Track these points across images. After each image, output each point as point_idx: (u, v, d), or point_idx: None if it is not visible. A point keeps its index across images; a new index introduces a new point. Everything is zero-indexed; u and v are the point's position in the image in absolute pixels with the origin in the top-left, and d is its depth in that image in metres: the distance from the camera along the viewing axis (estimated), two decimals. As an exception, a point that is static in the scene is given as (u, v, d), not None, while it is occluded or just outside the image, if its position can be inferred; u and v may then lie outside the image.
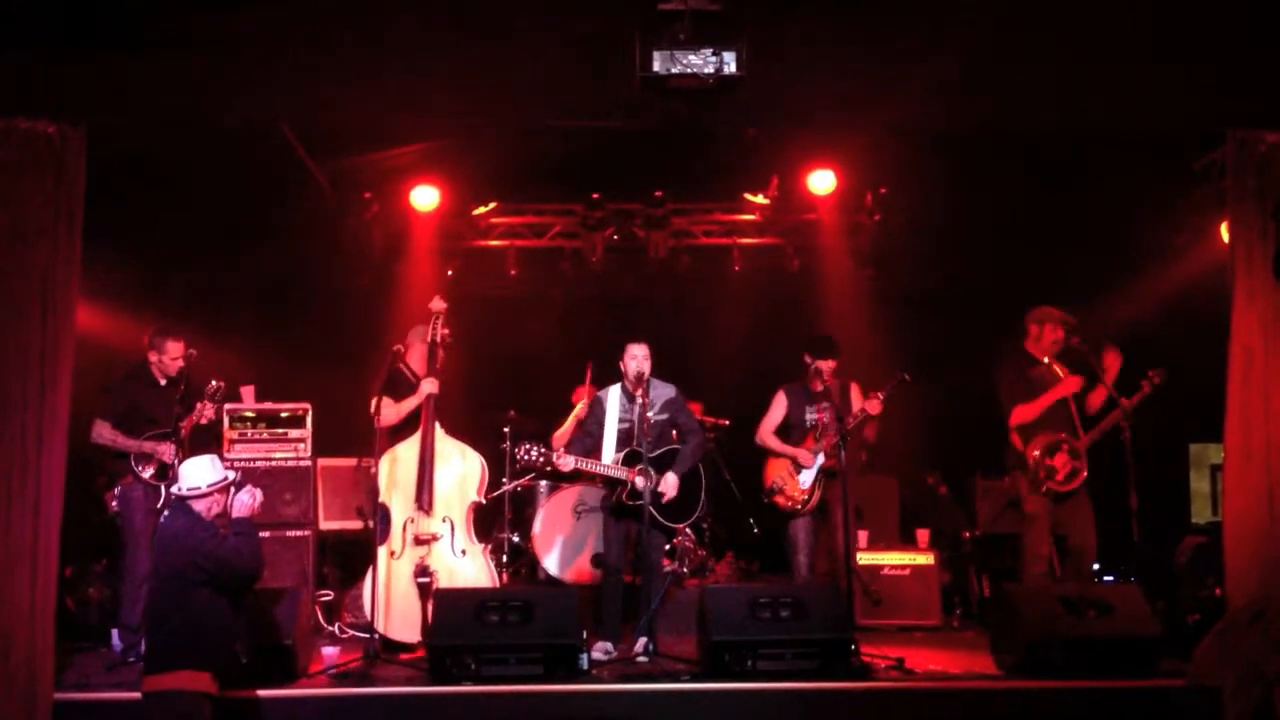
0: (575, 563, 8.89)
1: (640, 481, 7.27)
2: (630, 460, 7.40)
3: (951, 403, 9.51)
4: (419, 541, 7.50)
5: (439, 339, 7.86)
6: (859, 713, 6.49)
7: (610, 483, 7.57)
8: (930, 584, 8.67)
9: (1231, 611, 6.64)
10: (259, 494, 6.16)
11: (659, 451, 7.52)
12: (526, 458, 7.27)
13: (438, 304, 7.93)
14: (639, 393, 7.43)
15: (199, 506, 5.92)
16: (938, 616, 8.64)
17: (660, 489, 7.41)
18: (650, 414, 7.42)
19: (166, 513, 6.11)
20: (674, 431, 7.78)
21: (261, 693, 6.31)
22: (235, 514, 6.04)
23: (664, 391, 7.65)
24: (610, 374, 7.72)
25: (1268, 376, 6.71)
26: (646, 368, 7.50)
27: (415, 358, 8.06)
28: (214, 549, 5.81)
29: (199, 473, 5.96)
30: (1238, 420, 6.75)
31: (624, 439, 7.49)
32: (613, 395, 7.62)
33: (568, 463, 7.30)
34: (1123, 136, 7.71)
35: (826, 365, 7.91)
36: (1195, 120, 7.03)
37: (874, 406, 7.81)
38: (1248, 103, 6.79)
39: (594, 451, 7.51)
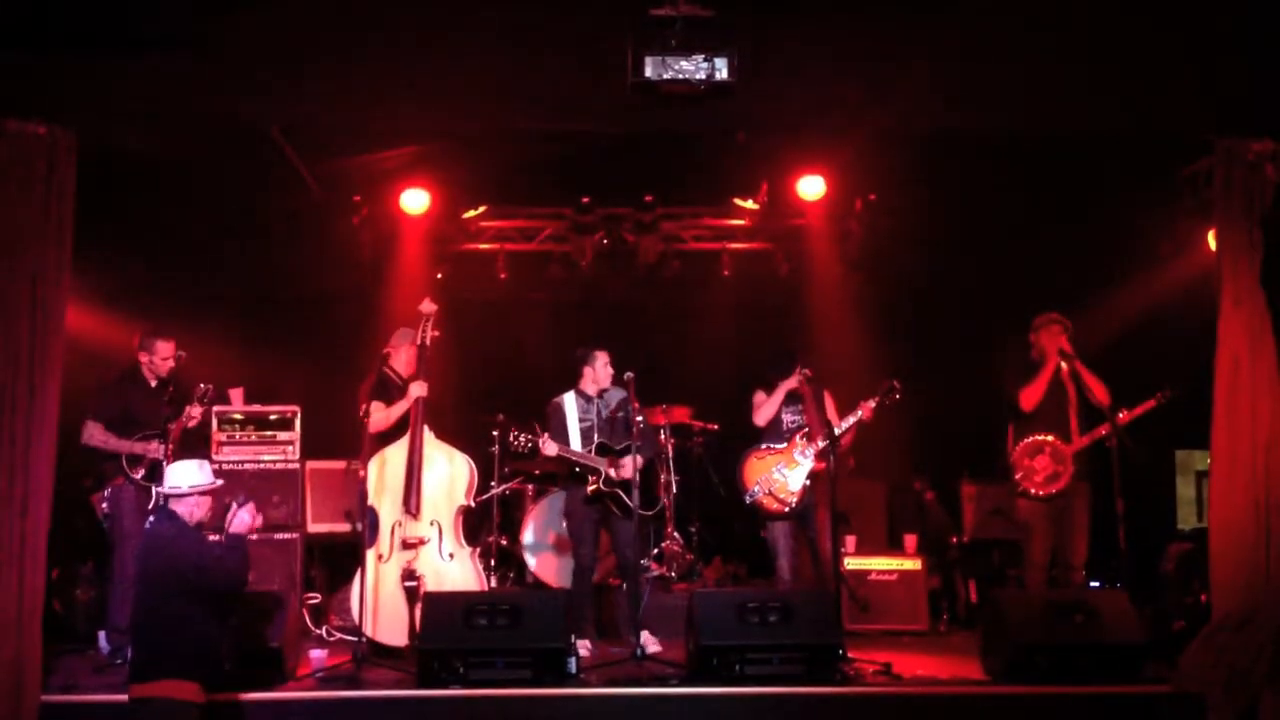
0: (564, 566, 8.89)
1: (613, 472, 7.69)
2: (601, 452, 7.78)
3: (938, 408, 9.54)
4: (406, 545, 7.50)
5: (428, 341, 7.86)
6: (847, 717, 6.51)
7: (580, 478, 7.76)
8: (918, 589, 8.71)
9: (1217, 618, 6.67)
10: (260, 517, 6.14)
11: (622, 446, 7.83)
12: (516, 443, 7.66)
13: (428, 306, 7.95)
14: (598, 395, 7.95)
15: (180, 509, 5.88)
16: (925, 622, 8.68)
17: (620, 464, 7.73)
18: (607, 413, 7.93)
19: (152, 518, 6.06)
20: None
21: (249, 696, 6.30)
22: (232, 529, 6.01)
23: (617, 393, 8.01)
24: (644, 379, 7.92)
25: (1254, 383, 6.74)
26: (611, 374, 7.97)
27: (400, 361, 8.07)
28: (197, 556, 5.78)
29: (181, 473, 5.95)
30: (1224, 426, 6.78)
31: (587, 436, 7.84)
32: (569, 400, 8.00)
33: (551, 449, 7.65)
34: (1111, 144, 7.76)
35: (787, 383, 8.03)
36: (1183, 128, 7.07)
37: (865, 413, 7.86)
38: (1235, 111, 6.83)
39: None
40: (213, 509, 6.09)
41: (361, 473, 7.48)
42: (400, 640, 7.34)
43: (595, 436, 7.84)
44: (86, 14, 6.27)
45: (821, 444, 7.75)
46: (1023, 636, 6.75)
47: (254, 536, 6.10)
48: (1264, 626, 6.47)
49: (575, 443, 7.81)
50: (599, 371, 7.95)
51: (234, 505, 6.06)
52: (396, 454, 7.66)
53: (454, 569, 7.54)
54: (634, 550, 7.78)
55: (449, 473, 7.72)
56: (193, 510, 5.92)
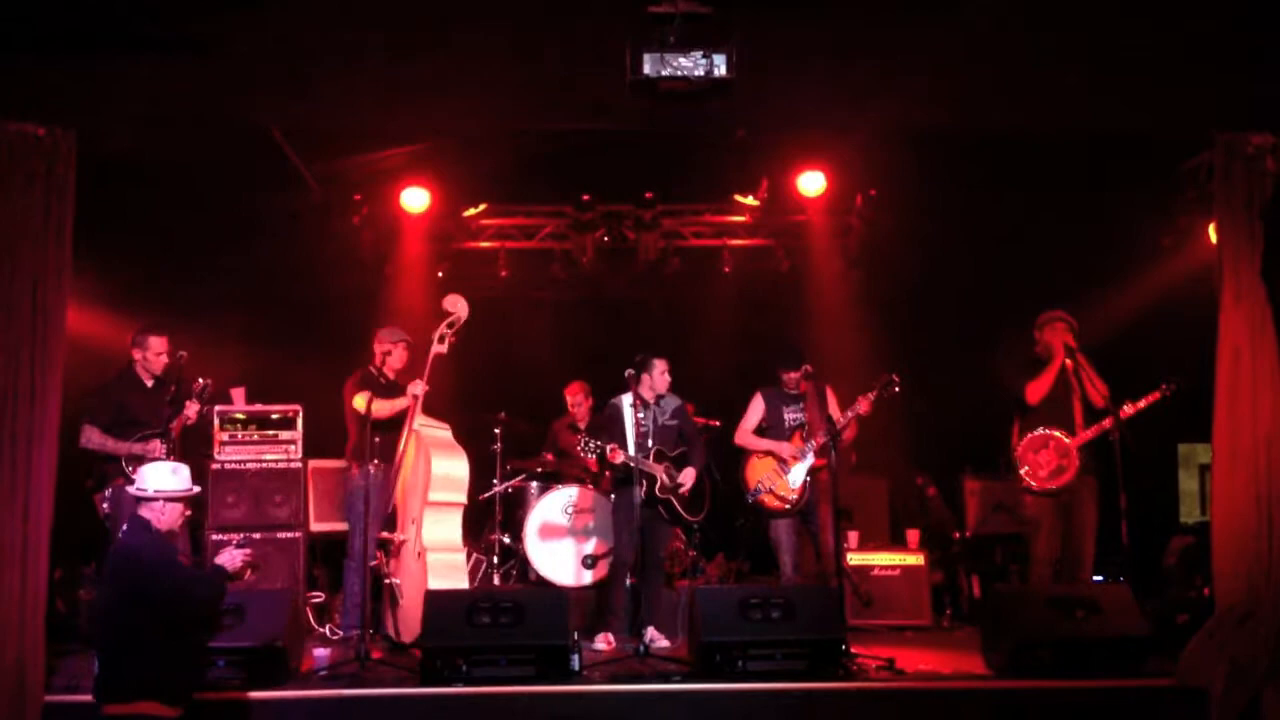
0: (566, 564, 8.90)
1: (667, 478, 7.89)
2: (657, 459, 7.94)
3: (940, 403, 9.54)
4: (383, 544, 7.57)
5: (441, 342, 7.86)
6: (849, 712, 6.51)
7: (626, 481, 7.84)
8: (920, 584, 8.72)
9: (1219, 611, 6.67)
10: (250, 571, 5.93)
11: (676, 453, 8.06)
12: (585, 450, 7.82)
13: (455, 304, 7.97)
14: (654, 401, 8.02)
15: (147, 514, 5.68)
16: (928, 617, 8.68)
17: (680, 479, 7.94)
18: (663, 420, 8.06)
19: (125, 527, 5.81)
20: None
21: (253, 694, 6.32)
22: (217, 559, 5.83)
23: (673, 401, 8.14)
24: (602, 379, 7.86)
25: (1255, 377, 6.74)
26: (668, 381, 8.07)
27: (386, 360, 8.09)
28: (166, 578, 5.56)
29: (149, 476, 5.72)
30: (1226, 420, 6.77)
31: (642, 441, 7.92)
32: (627, 404, 8.02)
33: (620, 458, 7.79)
34: (1111, 138, 7.75)
35: (790, 376, 8.04)
36: (1183, 122, 7.07)
37: (864, 406, 7.88)
38: (1234, 105, 6.83)
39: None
40: (186, 515, 5.85)
41: (355, 470, 7.55)
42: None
43: (651, 442, 7.95)
44: (86, 15, 6.26)
45: (821, 441, 7.76)
46: (1024, 631, 6.75)
47: (240, 565, 5.81)
48: (1266, 621, 6.46)
49: (632, 446, 7.89)
50: (656, 379, 8.01)
51: (236, 541, 5.99)
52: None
53: (419, 569, 7.53)
54: (664, 550, 8.19)
55: (425, 471, 7.71)
56: (159, 516, 5.67)
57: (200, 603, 5.71)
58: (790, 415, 8.10)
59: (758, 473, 8.05)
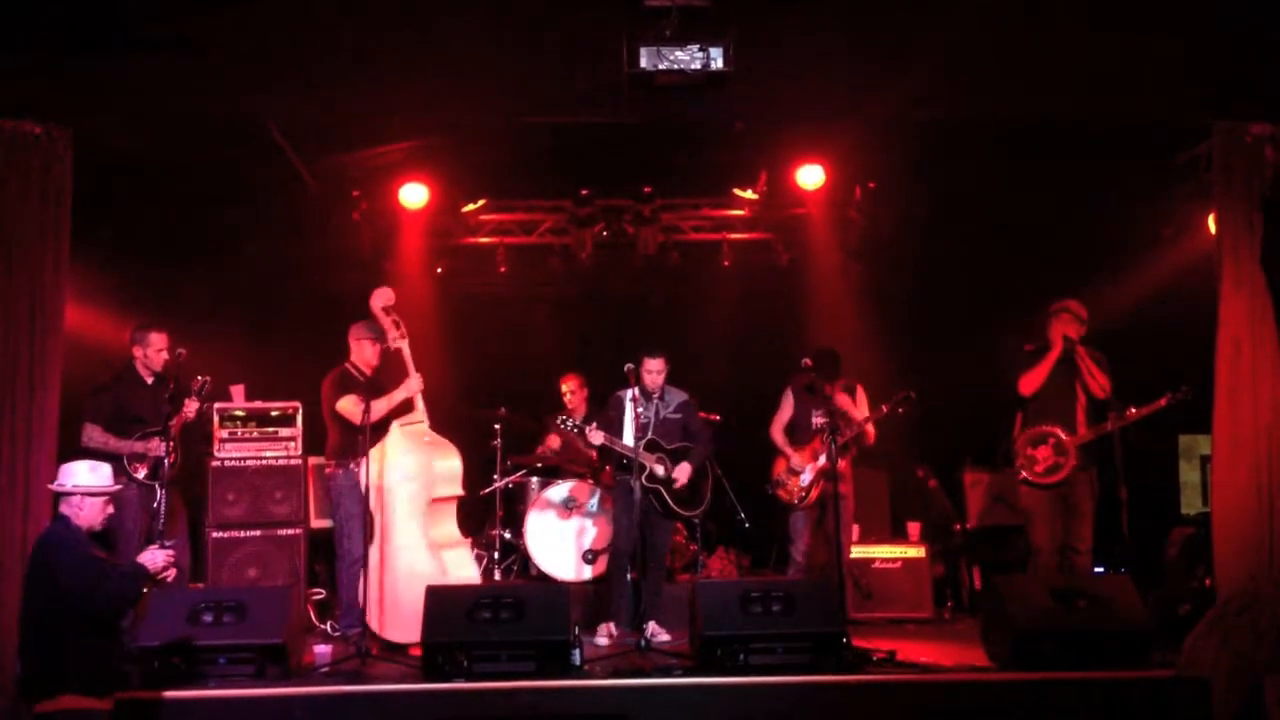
0: (567, 558, 8.91)
1: (660, 469, 7.86)
2: (650, 449, 7.90)
3: (940, 395, 9.52)
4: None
5: (399, 336, 7.86)
6: (851, 705, 6.50)
7: (625, 469, 7.85)
8: (922, 577, 8.72)
9: (1221, 602, 6.67)
10: (172, 570, 5.76)
11: (674, 446, 7.96)
12: (563, 427, 8.13)
13: (384, 297, 7.94)
14: (657, 395, 7.99)
15: (65, 509, 5.60)
16: (930, 609, 8.68)
17: (674, 474, 7.89)
18: (665, 413, 8.02)
19: (48, 525, 5.77)
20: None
21: (253, 690, 6.34)
22: (139, 558, 5.70)
23: (678, 395, 8.13)
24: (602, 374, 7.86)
25: (1255, 367, 6.75)
26: (662, 380, 7.97)
27: (362, 356, 8.07)
28: (77, 566, 5.46)
29: (69, 471, 5.66)
30: (1226, 410, 6.78)
31: (641, 433, 7.91)
32: (628, 396, 8.00)
33: (597, 438, 7.84)
34: (1110, 129, 7.74)
35: (821, 385, 8.11)
36: (1182, 112, 7.06)
37: (870, 430, 8.01)
38: (1233, 94, 6.82)
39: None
40: (109, 514, 5.74)
41: (354, 468, 7.54)
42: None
43: (650, 434, 7.94)
44: (83, 13, 6.26)
45: (828, 440, 7.80)
46: (1026, 623, 6.73)
47: (161, 566, 5.64)
48: (1267, 610, 6.47)
49: (628, 437, 7.89)
50: (644, 377, 7.96)
51: (160, 543, 5.85)
52: (396, 451, 7.66)
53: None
54: (664, 544, 8.13)
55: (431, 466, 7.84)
56: (77, 512, 5.60)
57: (111, 598, 5.57)
58: (817, 418, 8.14)
59: (779, 467, 8.23)
